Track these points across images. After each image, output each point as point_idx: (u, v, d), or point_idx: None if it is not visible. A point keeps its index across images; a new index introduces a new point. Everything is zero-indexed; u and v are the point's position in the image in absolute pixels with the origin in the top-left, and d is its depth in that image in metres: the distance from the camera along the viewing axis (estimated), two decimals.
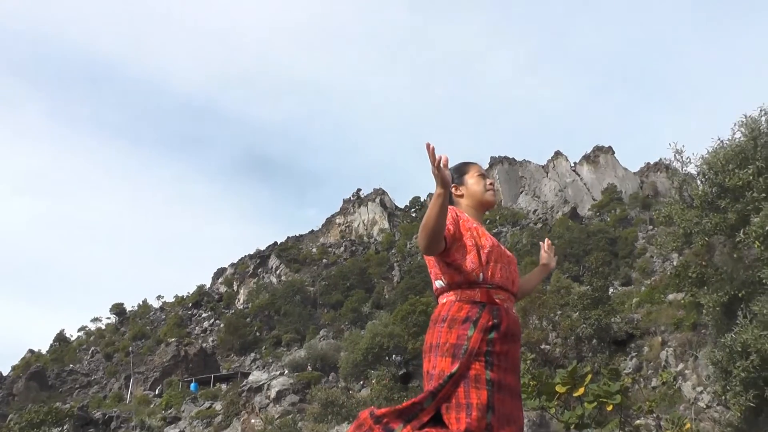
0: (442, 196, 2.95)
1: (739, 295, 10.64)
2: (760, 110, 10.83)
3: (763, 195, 9.86)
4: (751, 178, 9.99)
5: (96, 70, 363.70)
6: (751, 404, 9.99)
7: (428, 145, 2.94)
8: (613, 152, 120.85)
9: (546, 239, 4.05)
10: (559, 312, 39.19)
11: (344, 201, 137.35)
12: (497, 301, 3.18)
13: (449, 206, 3.34)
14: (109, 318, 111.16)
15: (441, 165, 2.95)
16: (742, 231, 9.98)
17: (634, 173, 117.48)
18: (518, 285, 3.42)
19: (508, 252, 3.43)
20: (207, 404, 46.90)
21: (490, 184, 3.59)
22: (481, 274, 3.17)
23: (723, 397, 10.53)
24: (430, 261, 3.32)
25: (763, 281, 9.79)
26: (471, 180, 3.57)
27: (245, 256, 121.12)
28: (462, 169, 3.64)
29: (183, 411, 46.35)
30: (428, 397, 2.96)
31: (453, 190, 3.53)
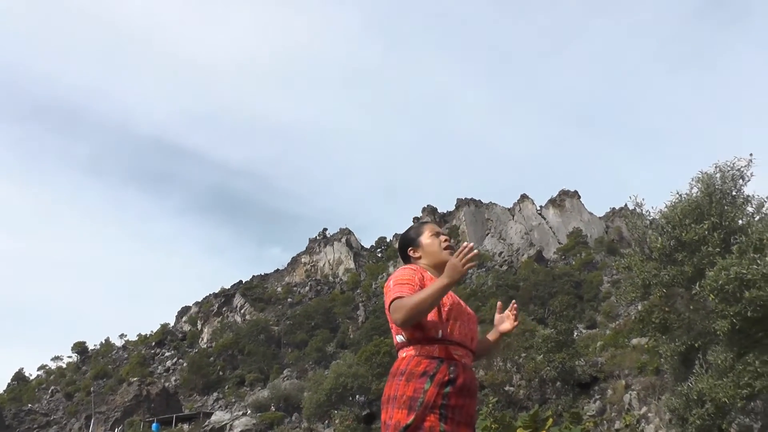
0: (448, 288, 3.22)
1: (696, 345, 10.95)
2: (715, 167, 11.26)
3: (718, 250, 10.23)
4: (706, 232, 10.36)
5: (64, 104, 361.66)
6: None
7: (470, 246, 3.18)
8: (579, 196, 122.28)
9: (513, 301, 4.03)
10: (523, 354, 39.47)
11: (310, 240, 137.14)
12: (455, 357, 3.33)
13: (409, 266, 3.55)
14: (70, 357, 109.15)
15: (469, 266, 3.21)
16: (698, 284, 10.31)
17: (600, 218, 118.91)
18: (477, 342, 3.57)
19: (469, 309, 3.58)
20: None
21: (445, 240, 3.71)
22: (440, 331, 3.31)
23: None
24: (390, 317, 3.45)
25: (718, 332, 10.09)
26: (427, 241, 3.68)
27: (210, 294, 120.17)
28: (417, 230, 3.77)
29: None
30: None
31: (410, 252, 3.73)
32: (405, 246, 3.77)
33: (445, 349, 3.31)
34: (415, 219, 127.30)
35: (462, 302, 3.53)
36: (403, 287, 3.30)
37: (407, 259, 3.74)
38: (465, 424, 3.29)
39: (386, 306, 3.33)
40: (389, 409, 3.24)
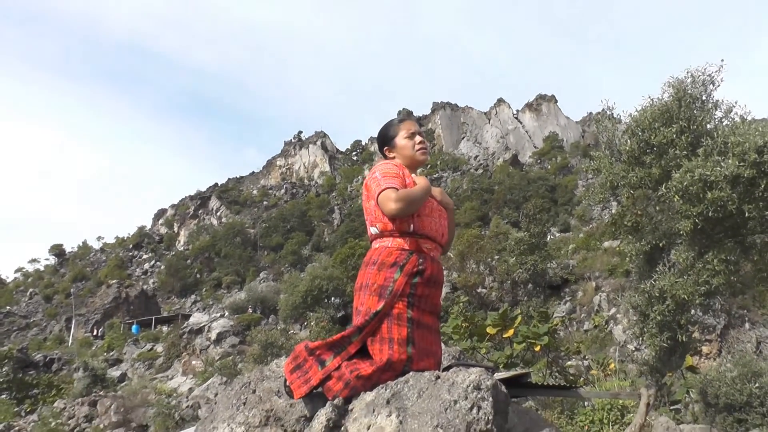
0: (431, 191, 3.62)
1: (660, 245, 11.27)
2: (687, 72, 11.35)
3: (684, 153, 10.41)
4: (674, 136, 10.51)
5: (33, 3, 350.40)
6: (665, 345, 10.71)
7: None
8: (556, 101, 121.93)
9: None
10: (496, 257, 40.06)
11: (285, 143, 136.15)
12: (424, 249, 3.51)
13: (391, 162, 3.68)
14: (47, 259, 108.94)
15: None
16: (664, 185, 10.53)
17: (576, 122, 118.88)
18: (447, 237, 3.75)
19: (440, 206, 3.73)
20: (148, 346, 46.89)
21: (420, 142, 3.80)
22: (411, 225, 3.47)
23: (641, 338, 11.24)
24: (368, 208, 3.59)
25: (681, 232, 10.40)
26: (402, 141, 3.78)
27: (186, 197, 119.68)
28: (394, 129, 3.84)
29: (125, 353, 46.23)
30: (355, 331, 3.32)
31: (386, 152, 3.85)
32: (382, 144, 3.89)
33: (415, 242, 3.48)
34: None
35: (434, 200, 3.68)
36: (393, 180, 3.46)
37: (384, 155, 3.87)
38: (430, 313, 3.51)
39: (373, 194, 3.48)
40: (361, 296, 3.45)
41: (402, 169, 3.61)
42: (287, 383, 3.38)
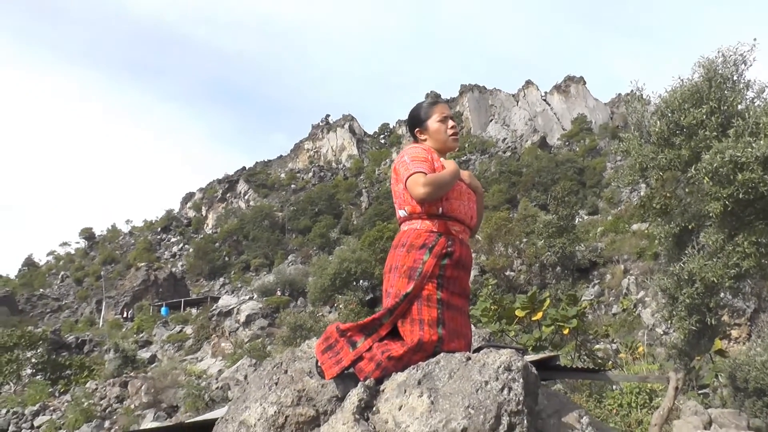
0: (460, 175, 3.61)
1: (690, 227, 11.18)
2: (718, 52, 11.19)
3: (714, 134, 10.30)
4: (704, 117, 10.39)
5: None
6: (694, 328, 10.64)
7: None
8: (585, 82, 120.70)
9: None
10: (524, 239, 39.88)
11: (313, 126, 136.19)
12: (453, 232, 3.53)
13: (420, 145, 3.70)
14: (78, 242, 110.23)
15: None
16: (693, 167, 10.43)
17: (605, 104, 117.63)
18: (475, 220, 3.76)
19: (469, 189, 3.72)
20: (178, 328, 47.28)
21: (452, 127, 3.80)
22: (440, 208, 3.47)
23: (669, 322, 11.18)
24: (397, 192, 3.60)
25: (711, 214, 10.30)
26: (434, 125, 3.75)
27: (214, 180, 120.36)
28: (427, 111, 3.82)
29: (155, 335, 46.69)
30: (386, 313, 3.33)
31: (417, 133, 3.84)
32: (413, 125, 3.88)
33: (444, 224, 3.49)
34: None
35: (463, 183, 3.68)
36: (422, 164, 3.47)
37: (415, 137, 3.87)
38: (459, 295, 3.52)
39: (402, 178, 3.50)
40: (391, 278, 3.47)
41: (431, 153, 3.62)
42: (319, 364, 3.41)
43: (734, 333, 25.59)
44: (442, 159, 3.67)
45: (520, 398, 2.76)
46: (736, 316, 23.41)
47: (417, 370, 3.05)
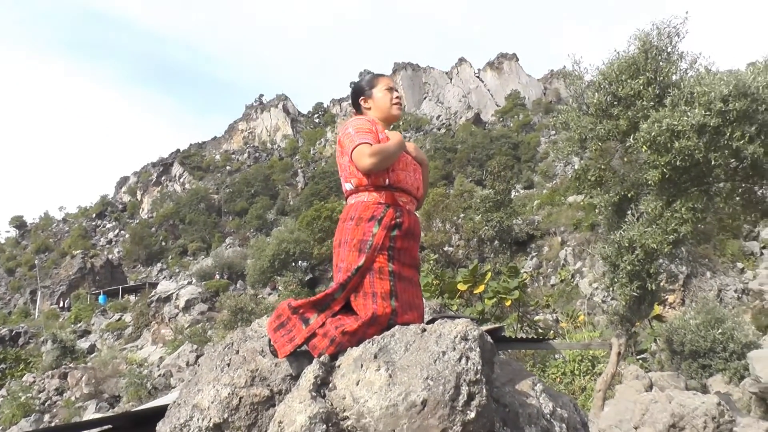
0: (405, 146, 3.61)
1: (629, 195, 11.41)
2: (653, 25, 11.42)
3: (651, 104, 10.51)
4: (641, 87, 10.60)
5: None
6: (635, 294, 10.90)
7: None
8: (517, 59, 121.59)
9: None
10: (462, 215, 40.31)
11: (246, 107, 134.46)
12: (400, 203, 3.52)
13: (364, 117, 3.67)
14: (8, 231, 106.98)
15: None
16: (632, 137, 10.64)
17: (538, 80, 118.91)
18: (422, 191, 3.78)
19: (414, 160, 3.74)
20: (117, 316, 46.57)
21: (397, 98, 3.81)
22: (387, 179, 3.48)
23: (611, 289, 11.43)
24: (342, 164, 3.59)
25: (649, 182, 10.53)
26: (379, 94, 3.79)
27: (148, 164, 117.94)
28: (372, 82, 3.86)
29: (93, 324, 45.90)
30: (338, 288, 3.30)
31: (361, 102, 3.84)
32: (357, 94, 3.86)
33: (391, 196, 3.48)
34: (352, 83, 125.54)
35: (407, 154, 3.68)
36: (367, 135, 3.45)
37: (358, 107, 3.85)
38: (409, 266, 3.52)
39: (347, 150, 3.47)
40: (341, 253, 3.43)
41: (375, 125, 3.61)
42: (271, 342, 3.37)
43: (669, 298, 26.36)
44: (386, 131, 3.66)
45: (478, 367, 2.76)
46: (671, 282, 24.12)
47: (372, 344, 3.03)
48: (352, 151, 3.39)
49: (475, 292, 18.05)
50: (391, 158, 3.41)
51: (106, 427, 3.76)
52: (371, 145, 3.37)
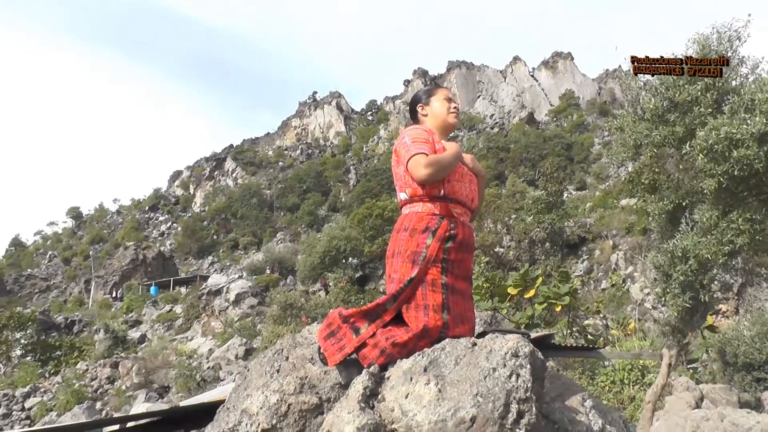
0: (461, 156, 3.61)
1: (683, 203, 11.15)
2: (712, 28, 11.12)
3: (709, 110, 10.25)
4: (699, 93, 10.32)
5: None
6: (687, 305, 10.62)
7: None
8: (572, 58, 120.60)
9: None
10: (513, 216, 39.94)
11: (300, 104, 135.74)
12: (454, 214, 3.49)
13: (421, 126, 3.65)
14: (65, 222, 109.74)
15: None
16: (688, 144, 10.39)
17: (593, 79, 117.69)
18: (476, 203, 3.72)
19: (470, 172, 3.71)
20: (167, 307, 47.14)
21: (455, 107, 3.83)
22: (442, 190, 3.45)
23: (663, 299, 11.19)
24: (398, 174, 3.57)
25: (705, 191, 10.28)
26: (437, 103, 3.78)
27: (201, 158, 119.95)
28: (431, 91, 3.87)
29: (144, 314, 46.56)
30: (390, 299, 3.30)
31: (419, 109, 3.84)
32: (415, 103, 3.88)
33: (445, 207, 3.46)
34: (406, 82, 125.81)
35: (463, 165, 3.66)
36: (423, 145, 3.44)
37: (414, 116, 3.86)
38: (463, 278, 3.49)
39: (403, 159, 3.46)
40: (394, 263, 3.43)
41: (431, 135, 3.59)
42: (321, 350, 3.37)
43: (723, 308, 25.80)
44: (443, 141, 3.63)
45: (528, 385, 2.73)
46: (724, 291, 23.57)
47: (422, 357, 3.01)
48: (408, 161, 3.39)
49: (525, 296, 17.85)
50: (447, 169, 3.40)
51: (155, 419, 3.83)
52: (427, 155, 3.36)
